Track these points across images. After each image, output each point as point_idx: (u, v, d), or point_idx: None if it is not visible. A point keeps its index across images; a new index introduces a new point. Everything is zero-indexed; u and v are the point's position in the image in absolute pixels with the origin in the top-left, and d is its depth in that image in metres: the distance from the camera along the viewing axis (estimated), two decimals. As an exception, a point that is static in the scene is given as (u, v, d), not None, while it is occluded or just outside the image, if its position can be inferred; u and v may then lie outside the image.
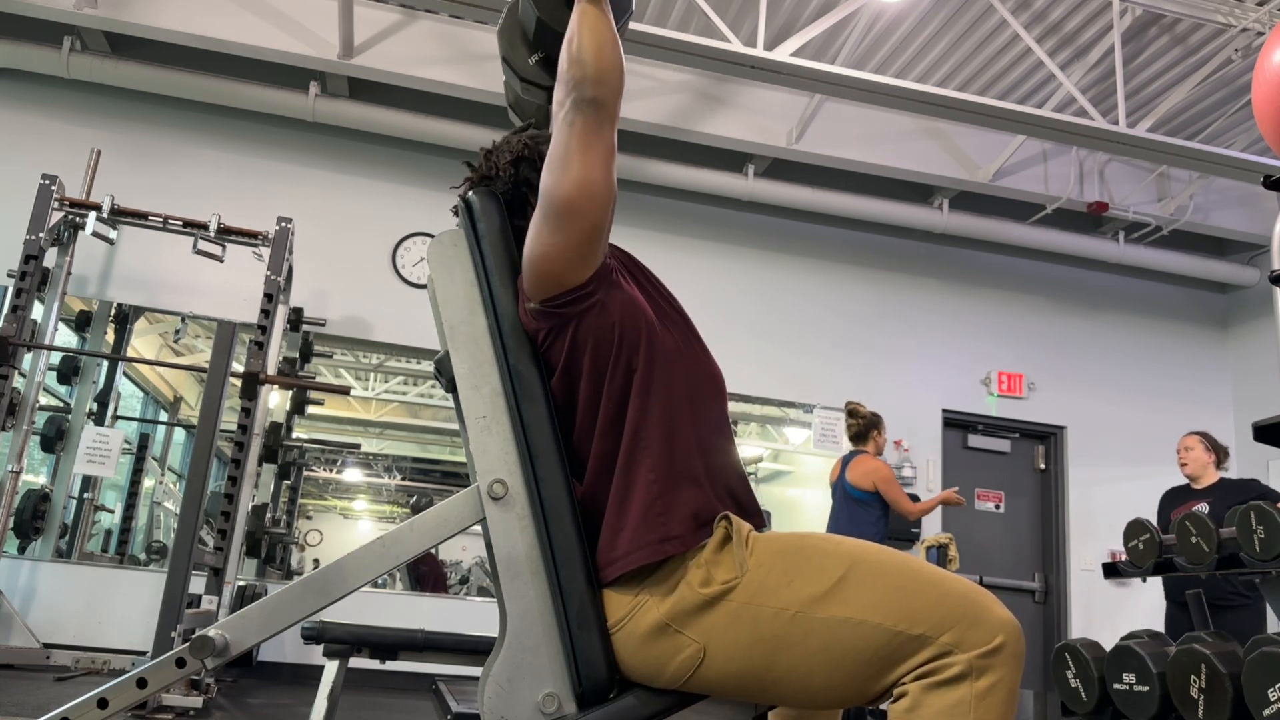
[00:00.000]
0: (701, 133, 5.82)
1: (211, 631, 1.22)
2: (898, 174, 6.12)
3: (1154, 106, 5.74)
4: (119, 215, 4.73)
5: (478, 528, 1.31)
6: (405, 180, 6.10)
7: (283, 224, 4.81)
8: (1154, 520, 4.34)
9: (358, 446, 9.15)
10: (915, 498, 6.11)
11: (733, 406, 6.65)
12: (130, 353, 6.06)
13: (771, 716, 1.46)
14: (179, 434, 7.56)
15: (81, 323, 5.66)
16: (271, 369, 4.80)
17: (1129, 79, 5.71)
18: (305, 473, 7.66)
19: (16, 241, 4.74)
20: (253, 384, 4.43)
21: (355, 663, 1.69)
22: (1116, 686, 2.72)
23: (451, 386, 1.34)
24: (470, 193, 1.44)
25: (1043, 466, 6.88)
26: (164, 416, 7.52)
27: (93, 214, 4.67)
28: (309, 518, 9.43)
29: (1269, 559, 2.68)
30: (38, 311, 4.85)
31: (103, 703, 1.20)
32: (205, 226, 4.76)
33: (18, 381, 4.56)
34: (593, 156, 1.24)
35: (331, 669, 1.67)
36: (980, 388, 6.77)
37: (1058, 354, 6.97)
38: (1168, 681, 2.57)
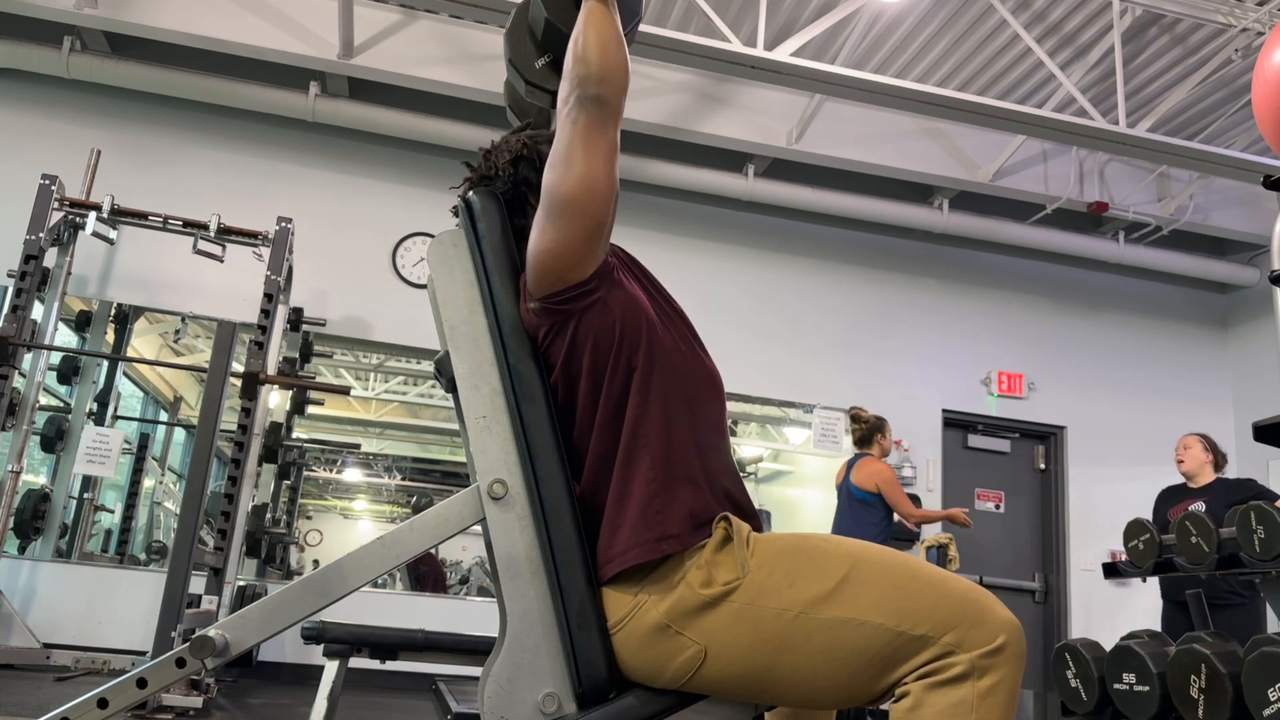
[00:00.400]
0: (701, 133, 5.82)
1: (211, 631, 1.22)
2: (898, 174, 6.12)
3: (1154, 106, 5.74)
4: (119, 215, 4.73)
5: (478, 528, 1.30)
6: (405, 180, 6.10)
7: (283, 224, 4.81)
8: (1150, 519, 4.34)
9: (358, 446, 9.14)
10: (915, 498, 6.11)
11: (733, 406, 6.65)
12: (130, 353, 6.06)
13: (769, 716, 1.46)
14: (179, 434, 7.56)
15: (81, 323, 5.66)
16: (271, 369, 4.80)
17: (1129, 79, 5.72)
18: (305, 473, 7.65)
19: (16, 241, 4.74)
20: (253, 384, 4.43)
21: (355, 663, 1.69)
22: (1116, 686, 2.72)
23: (451, 386, 1.34)
24: (470, 193, 1.44)
25: (1043, 466, 6.88)
26: (164, 416, 7.52)
27: (93, 214, 4.67)
28: (309, 518, 9.42)
29: (1269, 559, 2.68)
30: (38, 311, 4.85)
31: (103, 703, 1.20)
32: (205, 226, 4.76)
33: (18, 381, 4.56)
34: (595, 154, 1.25)
35: (331, 669, 1.67)
36: (980, 388, 6.77)
37: (1058, 354, 6.97)
38: (1168, 681, 2.57)
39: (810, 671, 1.17)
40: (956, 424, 6.70)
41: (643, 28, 4.63)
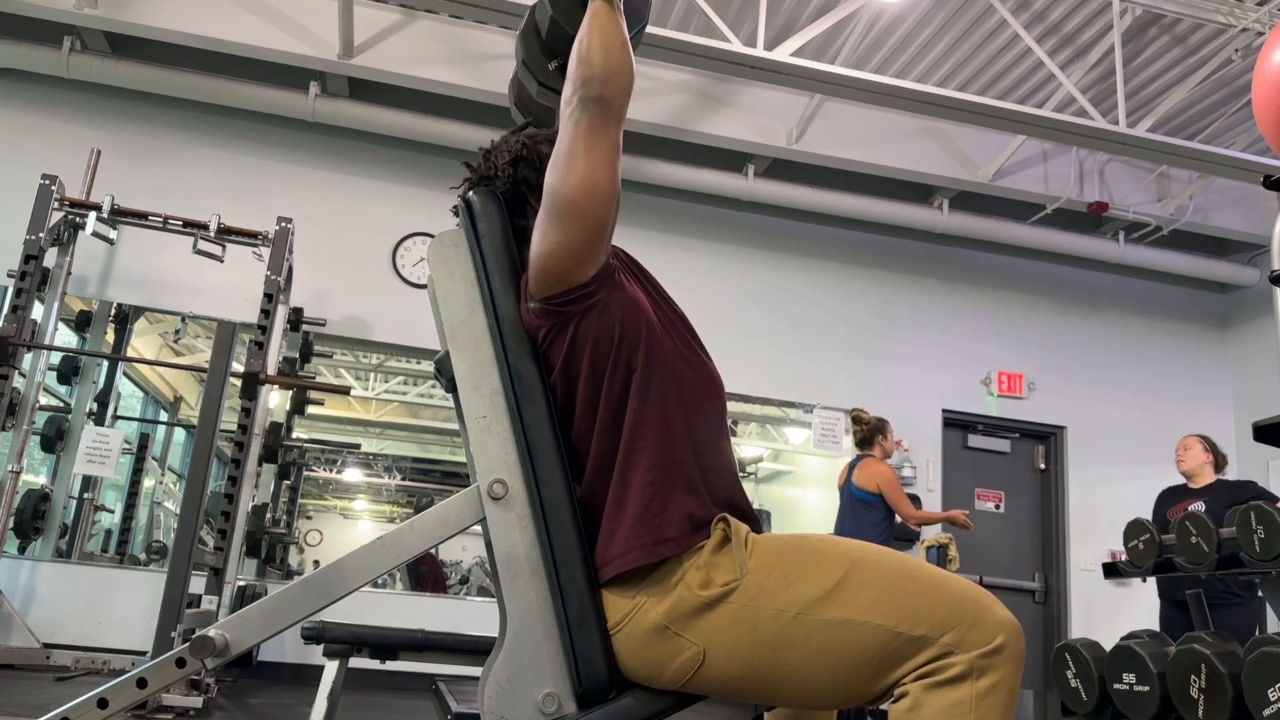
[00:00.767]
0: (701, 133, 5.82)
1: (211, 631, 1.22)
2: (898, 174, 6.12)
3: (1154, 106, 5.74)
4: (119, 215, 4.73)
5: (478, 528, 1.31)
6: (405, 180, 6.10)
7: (283, 224, 4.81)
8: (1150, 519, 4.35)
9: (358, 446, 9.14)
10: (915, 498, 6.11)
11: (733, 406, 6.65)
12: (130, 353, 6.06)
13: (768, 717, 1.46)
14: (179, 434, 7.56)
15: (81, 323, 5.66)
16: (271, 369, 4.80)
17: (1129, 79, 5.72)
18: (305, 473, 7.65)
19: (16, 241, 4.74)
20: (253, 384, 4.43)
21: (355, 663, 1.69)
22: (1116, 686, 2.72)
23: (451, 386, 1.34)
24: (470, 193, 1.44)
25: (1043, 466, 6.88)
26: (164, 416, 7.52)
27: (93, 214, 4.67)
28: (309, 518, 9.42)
29: (1269, 559, 2.68)
30: (38, 311, 4.85)
31: (103, 703, 1.20)
32: (205, 226, 4.76)
33: (18, 381, 4.56)
34: (597, 155, 1.25)
35: (331, 669, 1.67)
36: (980, 388, 6.77)
37: (1058, 354, 6.97)
38: (1168, 681, 2.57)
39: (809, 672, 1.17)
40: (956, 424, 6.70)
41: (643, 28, 4.62)
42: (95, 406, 5.70)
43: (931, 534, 5.37)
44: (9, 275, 4.68)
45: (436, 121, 5.80)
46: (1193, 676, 2.48)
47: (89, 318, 5.66)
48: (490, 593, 6.42)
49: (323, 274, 5.80)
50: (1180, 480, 4.59)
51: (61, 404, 5.79)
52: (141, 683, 1.22)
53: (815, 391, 6.45)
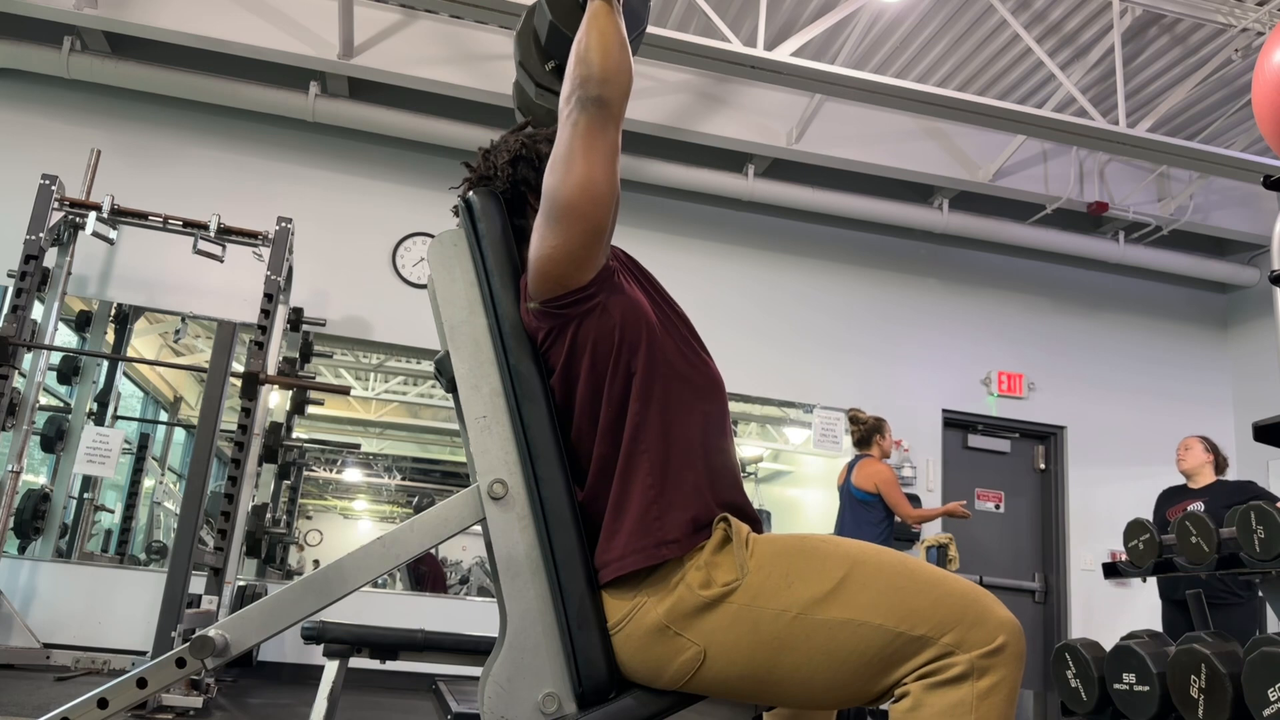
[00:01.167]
0: (701, 133, 5.82)
1: (211, 631, 1.22)
2: (898, 174, 6.12)
3: (1154, 106, 5.74)
4: (119, 215, 4.73)
5: (478, 528, 1.30)
6: (405, 180, 6.10)
7: (283, 224, 4.81)
8: (1151, 519, 4.35)
9: (358, 446, 9.15)
10: (915, 498, 6.12)
11: (733, 406, 6.64)
12: (130, 353, 6.06)
13: (767, 717, 1.46)
14: (179, 434, 7.56)
15: (81, 323, 5.66)
16: (271, 369, 4.80)
17: (1129, 79, 5.72)
18: (305, 473, 7.66)
19: (16, 241, 4.74)
20: (253, 384, 4.43)
21: (355, 663, 1.69)
22: (1116, 686, 2.72)
23: (451, 386, 1.34)
24: (470, 193, 1.44)
25: (1043, 466, 6.88)
26: (164, 416, 7.52)
27: (93, 214, 4.67)
28: (309, 518, 9.42)
29: (1269, 559, 2.68)
30: (38, 311, 4.85)
31: (103, 703, 1.20)
32: (205, 226, 4.76)
33: (18, 381, 4.56)
34: (596, 157, 1.24)
35: (331, 669, 1.67)
36: (980, 388, 6.77)
37: (1058, 354, 6.97)
38: (1168, 681, 2.57)
39: (810, 672, 1.17)
40: (956, 424, 6.70)
41: (643, 28, 4.62)
42: (95, 406, 5.70)
43: (931, 534, 5.37)
44: (9, 275, 4.68)
45: (436, 121, 5.80)
46: (1193, 676, 2.48)
47: (89, 318, 5.66)
48: (490, 593, 6.42)
49: (323, 274, 5.80)
50: (1180, 480, 4.60)
51: (61, 404, 5.79)
52: (141, 683, 1.22)
53: (815, 391, 6.45)
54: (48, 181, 4.63)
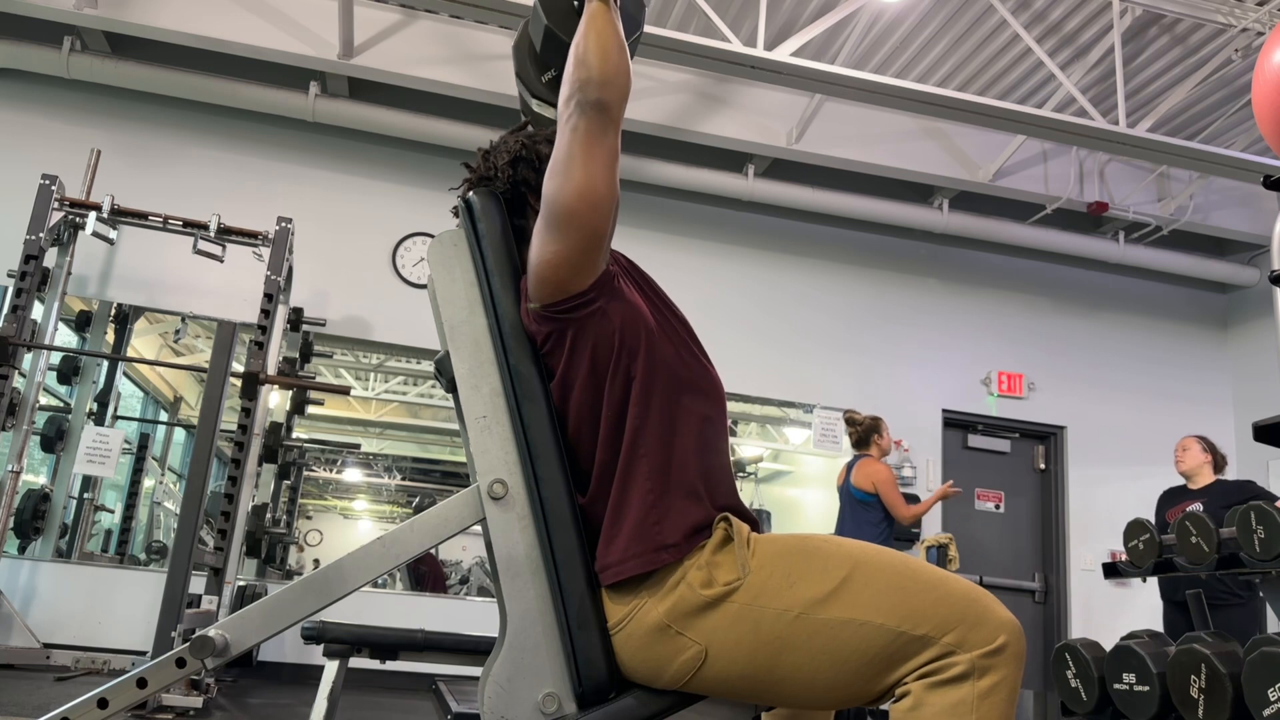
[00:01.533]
0: (701, 133, 5.82)
1: (211, 631, 1.22)
2: (898, 174, 6.12)
3: (1154, 106, 5.74)
4: (119, 215, 4.73)
5: (478, 528, 1.30)
6: (405, 180, 6.10)
7: (283, 224, 4.81)
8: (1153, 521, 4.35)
9: (358, 446, 9.14)
10: (915, 498, 6.11)
11: (732, 406, 6.65)
12: (130, 353, 6.06)
13: (766, 717, 1.46)
14: (179, 434, 7.56)
15: (81, 323, 5.66)
16: (271, 369, 4.80)
17: (1129, 79, 5.72)
18: (305, 473, 7.65)
19: (16, 241, 4.74)
20: (253, 384, 4.43)
21: (355, 663, 1.69)
22: (1116, 686, 2.72)
23: (451, 386, 1.34)
24: (470, 193, 1.44)
25: (1043, 466, 6.88)
26: (164, 416, 7.52)
27: (93, 214, 4.67)
28: (309, 518, 9.42)
29: (1269, 559, 2.68)
30: (38, 311, 4.85)
31: (103, 703, 1.20)
32: (205, 226, 4.76)
33: (18, 381, 4.56)
34: (596, 163, 1.23)
35: (331, 669, 1.67)
36: (980, 388, 6.77)
37: (1058, 354, 6.97)
38: (1168, 681, 2.57)
39: (811, 672, 1.17)
40: (956, 424, 6.70)
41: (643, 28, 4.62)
42: (95, 406, 5.70)
43: (931, 534, 5.37)
44: (9, 275, 4.68)
45: (436, 121, 5.80)
46: (1193, 676, 2.48)
47: (89, 318, 5.65)
48: (490, 593, 6.42)
49: (323, 274, 5.80)
50: (1180, 481, 4.60)
51: (61, 404, 5.79)
52: (141, 683, 1.22)
53: (815, 391, 6.45)
54: (48, 181, 4.63)
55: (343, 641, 1.66)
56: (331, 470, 9.60)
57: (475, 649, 1.69)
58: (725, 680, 1.20)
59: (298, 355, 5.55)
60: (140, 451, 6.35)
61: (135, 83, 5.55)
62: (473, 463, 1.29)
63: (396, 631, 1.68)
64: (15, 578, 4.97)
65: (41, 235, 4.53)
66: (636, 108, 5.68)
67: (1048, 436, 6.89)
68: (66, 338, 5.68)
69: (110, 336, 5.81)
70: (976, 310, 6.91)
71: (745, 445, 8.18)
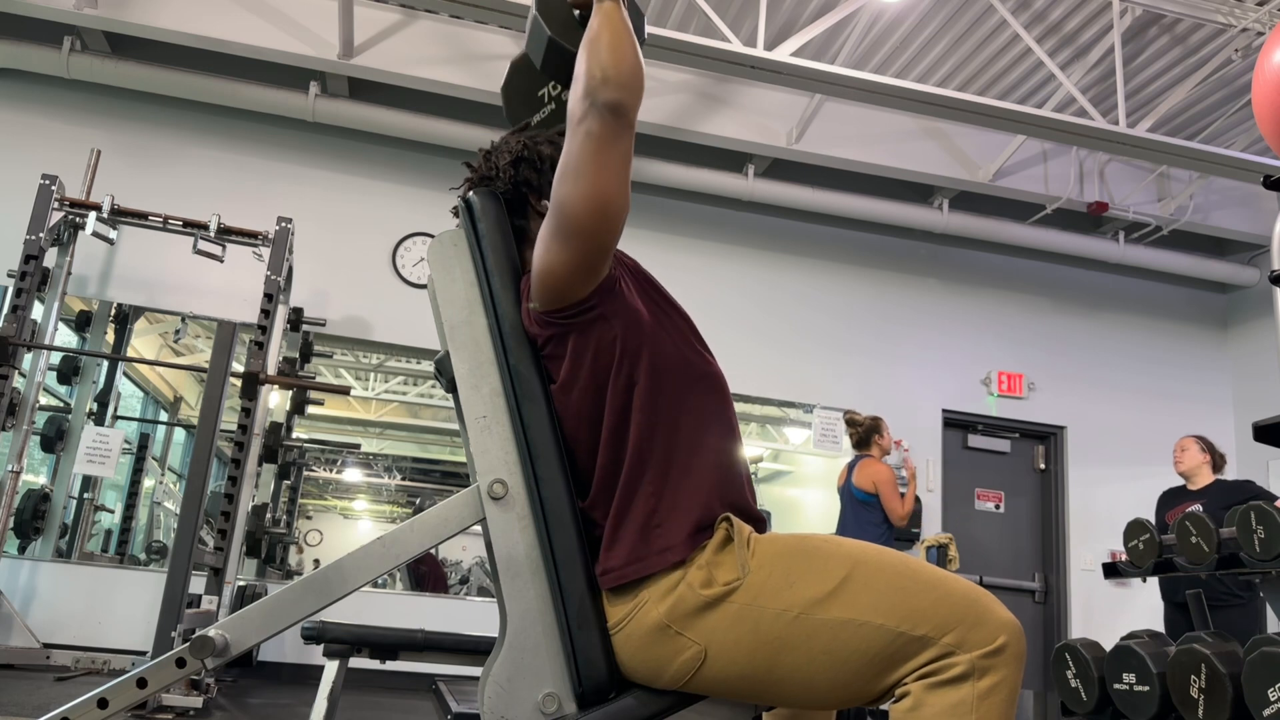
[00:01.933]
0: (701, 133, 5.82)
1: (211, 631, 1.22)
2: (898, 174, 6.12)
3: (1154, 106, 5.74)
4: (119, 215, 4.73)
5: (478, 528, 1.30)
6: (405, 180, 6.10)
7: (283, 224, 4.81)
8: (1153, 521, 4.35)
9: (358, 446, 9.15)
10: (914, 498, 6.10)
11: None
12: (130, 353, 6.06)
13: (766, 717, 1.46)
14: (179, 434, 7.56)
15: (81, 323, 5.66)
16: (271, 369, 4.80)
17: (1129, 79, 5.71)
18: (305, 473, 7.66)
19: (16, 241, 4.74)
20: (253, 384, 4.43)
21: (355, 663, 1.69)
22: (1116, 686, 2.72)
23: (451, 386, 1.34)
24: (471, 193, 1.44)
25: (1043, 466, 6.88)
26: (164, 416, 7.52)
27: (93, 214, 4.67)
28: (309, 518, 9.43)
29: (1269, 559, 2.68)
30: (38, 311, 4.85)
31: (103, 703, 1.20)
32: (205, 226, 4.76)
33: (18, 381, 4.56)
34: (608, 171, 1.20)
35: (331, 669, 1.67)
36: (980, 388, 6.77)
37: (1058, 354, 6.97)
38: (1168, 681, 2.57)
39: (811, 672, 1.17)
40: (956, 424, 6.70)
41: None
42: (95, 406, 5.70)
43: (932, 534, 5.37)
44: (9, 275, 4.68)
45: (436, 121, 5.80)
46: (1193, 676, 2.48)
47: (89, 318, 5.65)
48: (490, 593, 6.42)
49: (323, 274, 5.80)
50: (1179, 482, 4.60)
51: (61, 404, 5.79)
52: (141, 683, 1.22)
53: (815, 391, 6.45)
54: (48, 181, 4.63)
55: (343, 641, 1.66)
56: (331, 470, 9.60)
57: (475, 649, 1.69)
58: (725, 680, 1.20)
59: (298, 355, 5.55)
60: (140, 451, 6.35)
61: (135, 83, 5.55)
62: (473, 463, 1.29)
63: (396, 631, 1.68)
64: (15, 578, 4.97)
65: (41, 235, 4.53)
66: (636, 108, 5.67)
67: (1048, 436, 6.89)
68: (66, 338, 5.68)
69: (110, 336, 5.81)
70: (976, 310, 6.91)
71: (745, 445, 8.18)
